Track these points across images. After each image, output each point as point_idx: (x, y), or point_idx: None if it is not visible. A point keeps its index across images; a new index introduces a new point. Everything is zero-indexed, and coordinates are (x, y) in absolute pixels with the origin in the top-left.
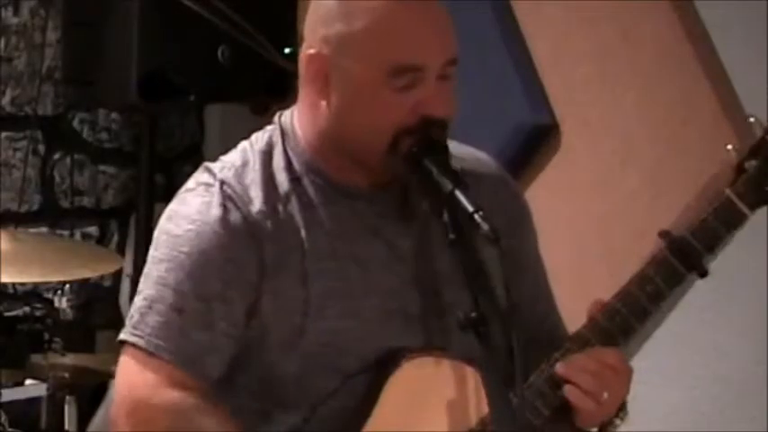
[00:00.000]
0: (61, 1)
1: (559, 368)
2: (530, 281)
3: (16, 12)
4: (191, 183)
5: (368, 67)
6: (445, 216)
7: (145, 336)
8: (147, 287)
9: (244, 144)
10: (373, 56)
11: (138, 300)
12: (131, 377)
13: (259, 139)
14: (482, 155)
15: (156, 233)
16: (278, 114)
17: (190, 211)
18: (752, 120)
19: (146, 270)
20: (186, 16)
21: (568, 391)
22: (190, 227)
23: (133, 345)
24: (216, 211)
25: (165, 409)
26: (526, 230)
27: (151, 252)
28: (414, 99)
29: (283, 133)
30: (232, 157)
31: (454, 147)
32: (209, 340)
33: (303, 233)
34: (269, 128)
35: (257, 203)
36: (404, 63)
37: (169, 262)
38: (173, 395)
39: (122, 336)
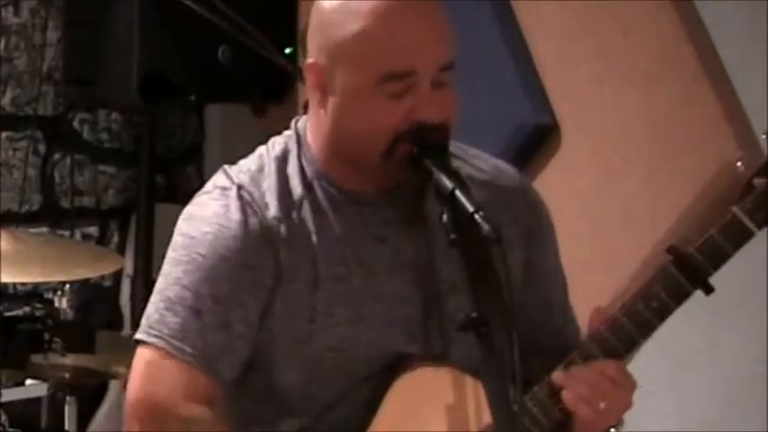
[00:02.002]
0: (61, 1)
1: (556, 377)
2: (544, 292)
3: (16, 12)
4: (208, 186)
5: (359, 75)
6: (445, 217)
7: (164, 336)
8: (164, 287)
9: (261, 149)
10: (364, 63)
11: (154, 299)
12: (148, 378)
13: (275, 144)
14: (504, 166)
15: (174, 235)
16: (294, 120)
17: (207, 213)
18: (763, 137)
19: (163, 270)
20: (186, 16)
21: (564, 395)
22: (207, 230)
23: (150, 344)
24: (234, 216)
25: (180, 419)
26: (544, 243)
27: (169, 253)
28: (407, 105)
29: (298, 139)
30: (248, 162)
31: (475, 156)
32: (225, 342)
33: (315, 238)
34: (286, 133)
35: (273, 209)
36: (394, 71)
37: (187, 264)
38: (190, 408)
39: (139, 335)
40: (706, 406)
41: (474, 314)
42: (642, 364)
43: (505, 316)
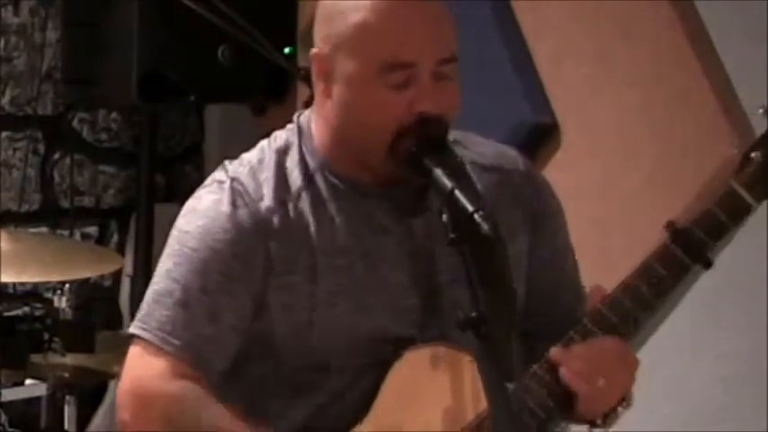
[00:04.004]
0: (61, 1)
1: (554, 353)
2: (552, 275)
3: (16, 12)
4: (208, 180)
5: (360, 64)
6: (444, 216)
7: (151, 329)
8: (157, 281)
9: (263, 142)
10: (365, 53)
11: (148, 293)
12: (136, 369)
13: (278, 137)
14: (507, 150)
15: (172, 230)
16: (297, 114)
17: (200, 207)
18: (761, 111)
19: (158, 264)
20: (186, 16)
21: (562, 372)
22: (198, 223)
23: (140, 338)
24: (225, 208)
25: (167, 397)
26: (551, 224)
27: (165, 248)
28: (408, 97)
29: (300, 132)
30: (250, 155)
31: (477, 142)
32: (214, 333)
33: (313, 229)
34: (289, 126)
35: (267, 200)
36: (393, 60)
37: (178, 257)
38: (176, 385)
39: (131, 329)
40: (706, 405)
41: (474, 314)
42: (644, 363)
43: (506, 315)
